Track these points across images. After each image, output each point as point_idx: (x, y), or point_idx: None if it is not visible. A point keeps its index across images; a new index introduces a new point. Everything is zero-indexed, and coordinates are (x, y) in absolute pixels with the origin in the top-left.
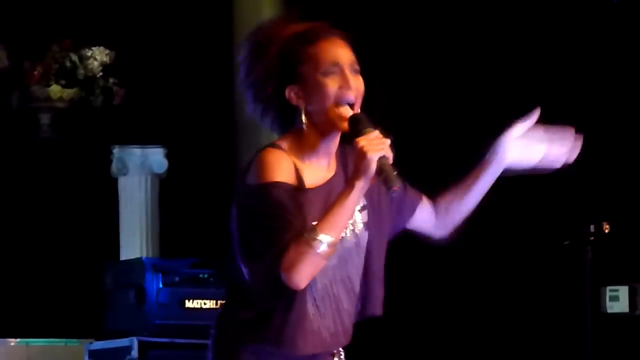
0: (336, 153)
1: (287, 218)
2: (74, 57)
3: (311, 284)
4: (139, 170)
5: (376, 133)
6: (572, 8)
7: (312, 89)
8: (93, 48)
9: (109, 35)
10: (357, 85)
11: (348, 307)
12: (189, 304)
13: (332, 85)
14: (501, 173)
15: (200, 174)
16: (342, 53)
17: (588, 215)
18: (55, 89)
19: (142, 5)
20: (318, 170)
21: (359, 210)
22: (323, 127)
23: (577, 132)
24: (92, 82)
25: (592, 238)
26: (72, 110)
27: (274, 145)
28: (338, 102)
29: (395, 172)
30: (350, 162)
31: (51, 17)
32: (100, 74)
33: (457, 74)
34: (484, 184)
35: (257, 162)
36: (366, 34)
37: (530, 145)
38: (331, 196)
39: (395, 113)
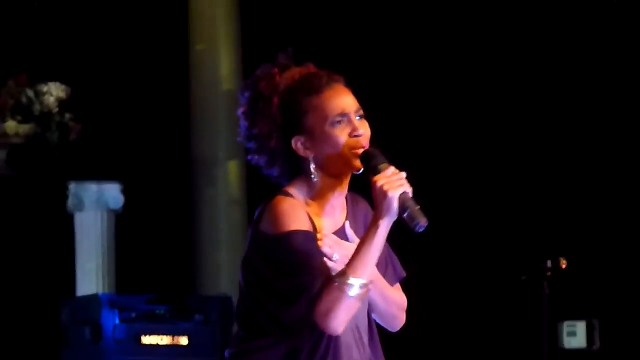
0: (346, 198)
1: (313, 266)
2: (30, 93)
3: None
4: (95, 206)
5: (392, 169)
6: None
7: (322, 140)
8: (49, 84)
9: (65, 71)
10: (365, 132)
11: (358, 357)
12: (145, 340)
13: (341, 135)
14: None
15: (156, 209)
16: (347, 101)
17: (545, 251)
18: (11, 125)
19: (98, 41)
20: (329, 217)
21: None
22: (334, 171)
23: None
24: (48, 118)
25: (549, 273)
26: (28, 146)
27: (284, 192)
28: (352, 149)
29: (419, 207)
30: (361, 208)
31: (7, 53)
32: (57, 109)
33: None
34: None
35: (271, 210)
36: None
37: None
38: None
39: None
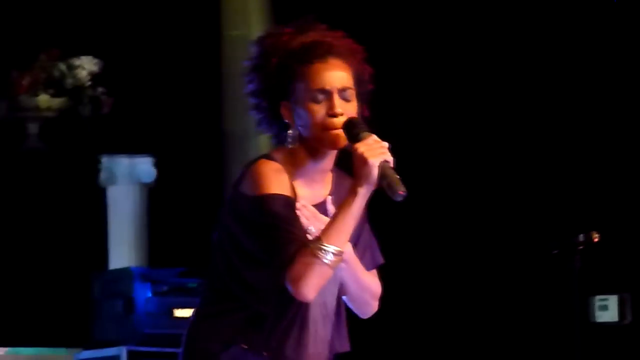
0: (333, 175)
1: (289, 230)
2: (63, 67)
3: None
4: (127, 180)
5: (374, 137)
6: (572, 8)
7: (301, 112)
8: (81, 57)
9: (97, 44)
10: (344, 112)
11: (323, 333)
12: (177, 313)
13: (319, 111)
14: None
15: (188, 183)
16: (333, 77)
17: (577, 225)
18: (43, 99)
19: (130, 14)
20: (309, 189)
21: None
22: (312, 145)
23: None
24: (80, 92)
25: (581, 247)
26: (61, 120)
27: (268, 156)
28: (325, 129)
29: (399, 177)
30: (346, 186)
31: (39, 27)
32: (89, 83)
33: (452, 74)
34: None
35: (252, 172)
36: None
37: None
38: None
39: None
